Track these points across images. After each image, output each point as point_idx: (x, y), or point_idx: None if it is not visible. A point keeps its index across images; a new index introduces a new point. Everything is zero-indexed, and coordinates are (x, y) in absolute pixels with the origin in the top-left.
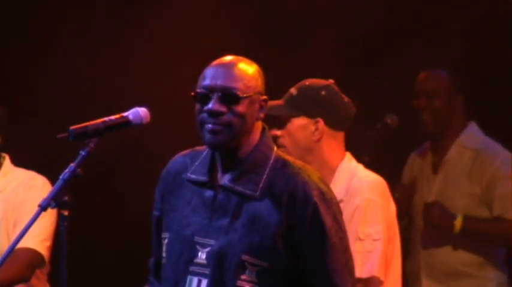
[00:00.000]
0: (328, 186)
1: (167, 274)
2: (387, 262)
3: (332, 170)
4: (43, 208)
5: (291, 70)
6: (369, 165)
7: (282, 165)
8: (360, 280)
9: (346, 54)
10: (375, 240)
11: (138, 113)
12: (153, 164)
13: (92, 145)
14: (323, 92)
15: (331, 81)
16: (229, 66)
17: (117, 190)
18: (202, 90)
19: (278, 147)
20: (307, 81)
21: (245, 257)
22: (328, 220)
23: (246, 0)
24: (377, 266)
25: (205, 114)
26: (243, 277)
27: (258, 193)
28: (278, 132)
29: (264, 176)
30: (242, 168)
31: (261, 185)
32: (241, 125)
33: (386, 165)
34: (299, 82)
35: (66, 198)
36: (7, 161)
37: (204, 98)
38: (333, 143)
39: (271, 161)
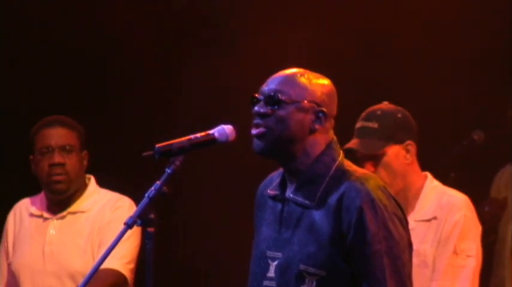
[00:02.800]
0: (387, 195)
1: None
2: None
3: (417, 191)
4: (129, 225)
5: None
6: (455, 182)
7: (341, 174)
8: None
9: None
10: (468, 256)
11: (224, 130)
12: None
13: (177, 162)
14: (399, 115)
15: (386, 103)
16: (288, 74)
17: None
18: (255, 94)
19: None
20: (377, 111)
21: (303, 267)
22: (373, 227)
23: None
24: (469, 283)
25: (254, 119)
26: None
27: (314, 203)
28: (368, 168)
29: (322, 186)
30: (303, 179)
31: (318, 195)
32: (283, 130)
33: (472, 182)
34: (365, 115)
35: (152, 216)
36: (92, 182)
37: (255, 102)
38: (415, 163)
39: (332, 171)
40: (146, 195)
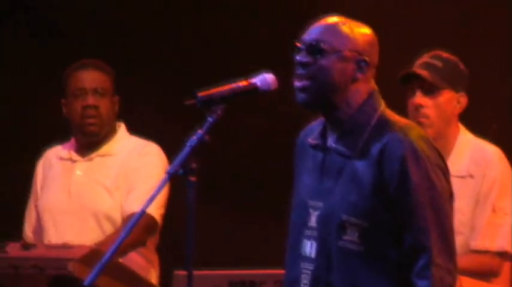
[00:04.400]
0: (430, 145)
1: (290, 240)
2: None
3: (451, 142)
4: (171, 174)
5: None
6: (497, 133)
7: (384, 124)
8: (488, 251)
9: None
10: (506, 214)
11: (266, 79)
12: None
13: (219, 111)
14: (461, 66)
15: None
16: (330, 23)
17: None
18: (297, 43)
19: (418, 117)
20: (442, 54)
21: (345, 217)
22: (416, 177)
23: None
24: (507, 241)
25: (297, 68)
26: (345, 237)
27: (356, 153)
28: (422, 102)
29: (364, 136)
30: (345, 129)
31: (360, 145)
32: (326, 79)
33: None
34: (429, 53)
35: (193, 165)
36: (122, 128)
37: (297, 51)
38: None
39: (374, 121)
40: (188, 144)
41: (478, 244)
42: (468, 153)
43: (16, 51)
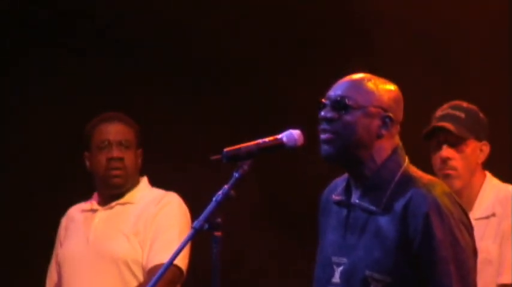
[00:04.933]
0: (453, 201)
1: None
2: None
3: (477, 189)
4: (197, 229)
5: None
6: None
7: (407, 180)
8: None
9: None
10: None
11: (292, 135)
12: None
13: (245, 167)
14: (481, 115)
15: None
16: (355, 79)
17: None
18: (322, 99)
19: (446, 170)
20: (462, 104)
21: (368, 273)
22: (439, 233)
23: None
24: None
25: (321, 124)
26: None
27: (380, 209)
28: (450, 155)
29: (388, 192)
30: (369, 185)
31: (384, 201)
32: (350, 135)
33: None
34: (450, 105)
35: (219, 220)
36: (145, 180)
37: (322, 107)
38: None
39: (397, 177)
40: (214, 199)
41: (505, 278)
42: (493, 195)
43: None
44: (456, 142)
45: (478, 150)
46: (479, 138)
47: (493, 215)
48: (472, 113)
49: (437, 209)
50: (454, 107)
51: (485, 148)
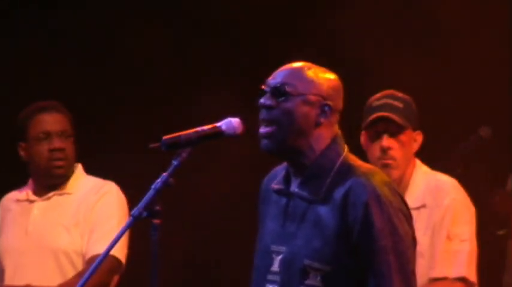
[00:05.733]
0: (392, 191)
1: (253, 285)
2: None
3: (408, 178)
4: (135, 217)
5: None
6: (462, 177)
7: (347, 169)
8: (447, 278)
9: None
10: (462, 241)
11: (231, 123)
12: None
13: (184, 155)
14: (413, 105)
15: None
16: (295, 67)
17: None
18: (263, 86)
19: (385, 159)
20: (398, 93)
21: (307, 262)
22: (379, 222)
23: None
24: (465, 267)
25: (260, 111)
26: (307, 282)
27: (320, 197)
28: (390, 144)
29: (327, 181)
30: (308, 174)
31: (323, 190)
32: (290, 123)
33: (478, 178)
34: (387, 94)
35: (158, 208)
36: (79, 168)
37: (262, 94)
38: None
39: (337, 166)
40: (152, 186)
41: (436, 271)
42: (423, 185)
43: None
44: (396, 132)
45: (413, 140)
46: (414, 128)
47: (423, 206)
48: (408, 102)
49: (376, 198)
50: (390, 97)
51: (419, 137)
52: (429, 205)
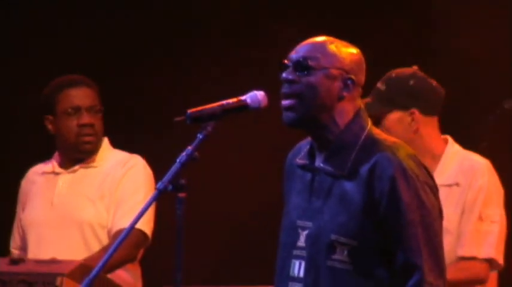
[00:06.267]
0: (418, 164)
1: (279, 261)
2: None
3: (437, 156)
4: (161, 190)
5: None
6: (487, 152)
7: (371, 143)
8: (475, 258)
9: None
10: (492, 222)
11: (256, 96)
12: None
13: (209, 128)
14: (411, 82)
15: (415, 67)
16: (318, 41)
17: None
18: (284, 60)
19: None
20: (393, 73)
21: (334, 237)
22: (406, 196)
23: None
24: (494, 249)
25: (283, 86)
26: (333, 257)
27: (345, 172)
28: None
29: (353, 155)
30: (333, 149)
31: (348, 165)
32: (313, 97)
33: (504, 151)
34: (385, 75)
35: (183, 181)
36: (106, 141)
37: (284, 68)
38: (430, 130)
39: (361, 140)
40: (177, 160)
41: (465, 250)
42: (456, 163)
43: None
44: (379, 116)
45: (405, 119)
46: (404, 107)
47: (457, 184)
48: (395, 82)
49: (402, 172)
50: (382, 79)
51: (415, 116)
52: (462, 184)
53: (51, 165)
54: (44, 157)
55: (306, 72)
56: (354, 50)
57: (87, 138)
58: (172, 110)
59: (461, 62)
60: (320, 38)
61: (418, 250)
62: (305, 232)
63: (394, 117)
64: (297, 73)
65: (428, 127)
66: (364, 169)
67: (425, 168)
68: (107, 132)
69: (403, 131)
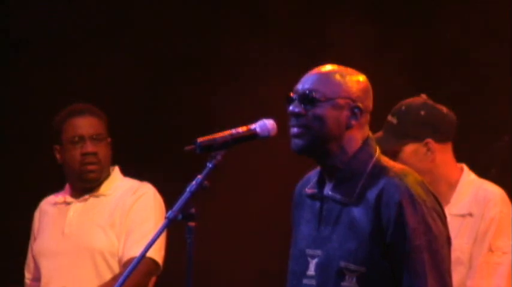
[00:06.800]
0: (426, 190)
1: None
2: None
3: (453, 185)
4: (170, 220)
5: None
6: (496, 177)
7: (379, 171)
8: None
9: None
10: (504, 253)
11: (266, 125)
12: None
13: (219, 157)
14: (422, 112)
15: (424, 96)
16: (322, 72)
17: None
18: (290, 93)
19: None
20: (403, 105)
21: (343, 264)
22: (412, 221)
23: None
24: (504, 280)
25: (290, 118)
26: (343, 284)
27: (353, 199)
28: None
29: (361, 183)
30: (341, 176)
31: (356, 192)
32: (321, 128)
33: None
34: (393, 109)
35: (193, 210)
36: (116, 170)
37: (290, 101)
38: (446, 157)
39: (369, 168)
40: (188, 189)
41: (475, 282)
42: (471, 193)
43: None
44: (388, 151)
45: (420, 151)
46: (418, 138)
47: (470, 215)
48: (408, 114)
49: (409, 198)
50: (392, 112)
51: (431, 146)
52: (475, 214)
53: (63, 195)
54: (60, 188)
55: (311, 105)
56: (360, 77)
57: (90, 167)
58: (183, 139)
59: None
60: (325, 68)
61: (423, 275)
62: (314, 260)
63: (409, 149)
64: (303, 106)
65: (444, 154)
66: (372, 196)
67: (434, 194)
68: (118, 162)
69: (420, 162)
